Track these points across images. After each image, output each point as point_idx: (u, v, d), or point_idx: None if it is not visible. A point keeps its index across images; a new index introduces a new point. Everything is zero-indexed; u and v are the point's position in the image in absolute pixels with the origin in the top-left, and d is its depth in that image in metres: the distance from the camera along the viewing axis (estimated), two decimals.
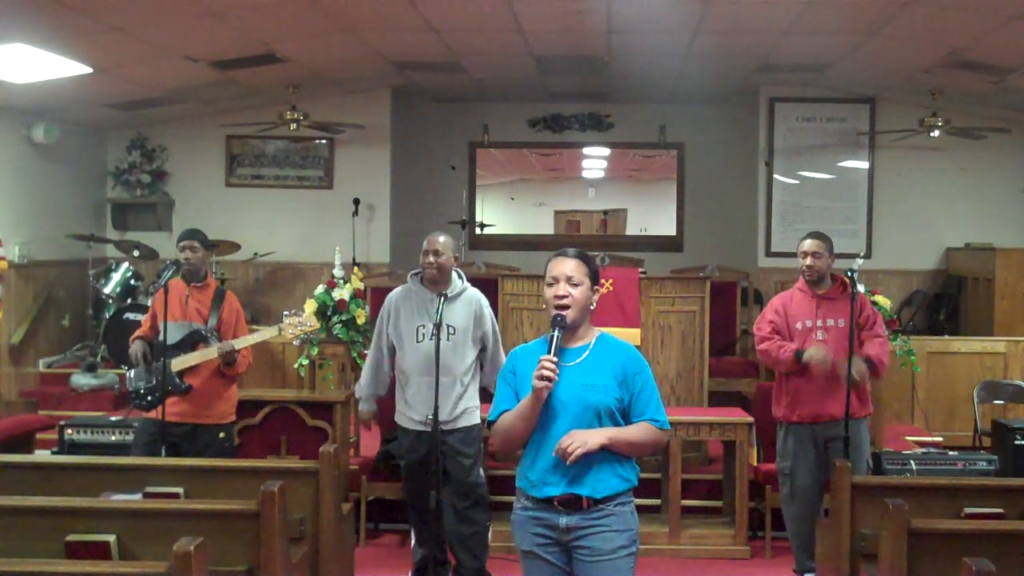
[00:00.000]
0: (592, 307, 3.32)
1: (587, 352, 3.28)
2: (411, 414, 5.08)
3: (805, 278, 5.31)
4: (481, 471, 5.22)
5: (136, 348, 5.25)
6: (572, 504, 3.19)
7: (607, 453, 3.18)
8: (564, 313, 3.23)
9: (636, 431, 3.24)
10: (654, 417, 3.26)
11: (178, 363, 5.16)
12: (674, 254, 10.98)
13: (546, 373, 3.10)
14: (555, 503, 3.20)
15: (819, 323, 5.23)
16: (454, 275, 5.13)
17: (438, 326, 4.68)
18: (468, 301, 5.12)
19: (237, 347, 5.18)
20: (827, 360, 5.10)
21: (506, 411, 3.28)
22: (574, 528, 3.19)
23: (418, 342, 5.04)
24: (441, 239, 5.08)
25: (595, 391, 3.21)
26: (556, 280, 3.27)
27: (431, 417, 4.65)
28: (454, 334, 4.97)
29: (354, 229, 9.67)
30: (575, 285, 3.25)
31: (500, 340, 5.27)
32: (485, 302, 5.19)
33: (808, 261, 5.27)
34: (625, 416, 3.26)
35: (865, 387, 5.26)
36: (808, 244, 5.31)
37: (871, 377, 5.24)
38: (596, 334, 3.34)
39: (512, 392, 3.30)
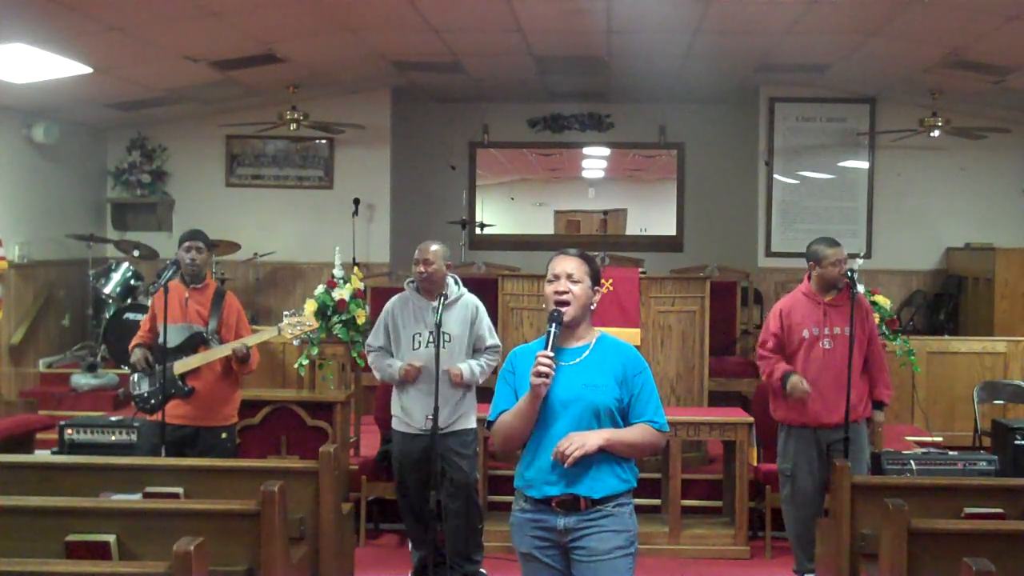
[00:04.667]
0: (593, 307, 3.32)
1: (587, 352, 3.27)
2: (408, 419, 5.08)
3: (839, 287, 5.24)
4: (476, 472, 5.22)
5: (137, 355, 5.23)
6: (570, 505, 3.18)
7: (606, 454, 3.17)
8: (563, 309, 3.22)
9: (635, 433, 3.23)
10: (653, 419, 3.25)
11: (180, 366, 5.15)
12: (674, 254, 10.98)
13: (543, 369, 3.09)
14: (553, 504, 3.19)
15: (826, 331, 5.21)
16: (450, 281, 5.15)
17: (438, 326, 4.68)
18: (464, 307, 5.13)
19: (249, 344, 5.17)
20: (805, 392, 5.13)
21: (505, 411, 3.26)
22: (572, 529, 3.18)
23: (414, 349, 5.05)
24: (432, 248, 5.08)
25: (595, 391, 3.20)
26: (557, 277, 3.26)
27: (430, 417, 4.66)
28: (450, 341, 4.97)
29: (354, 229, 9.67)
30: (575, 282, 3.25)
31: (494, 332, 5.28)
32: (481, 307, 5.21)
33: (843, 268, 5.23)
34: (624, 417, 3.25)
35: (869, 388, 5.30)
36: (842, 251, 5.27)
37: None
38: (596, 334, 3.33)
39: (511, 392, 3.29)
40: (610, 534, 3.18)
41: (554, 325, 3.20)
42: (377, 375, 5.27)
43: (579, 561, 3.19)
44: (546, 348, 3.15)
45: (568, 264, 3.28)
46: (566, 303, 3.23)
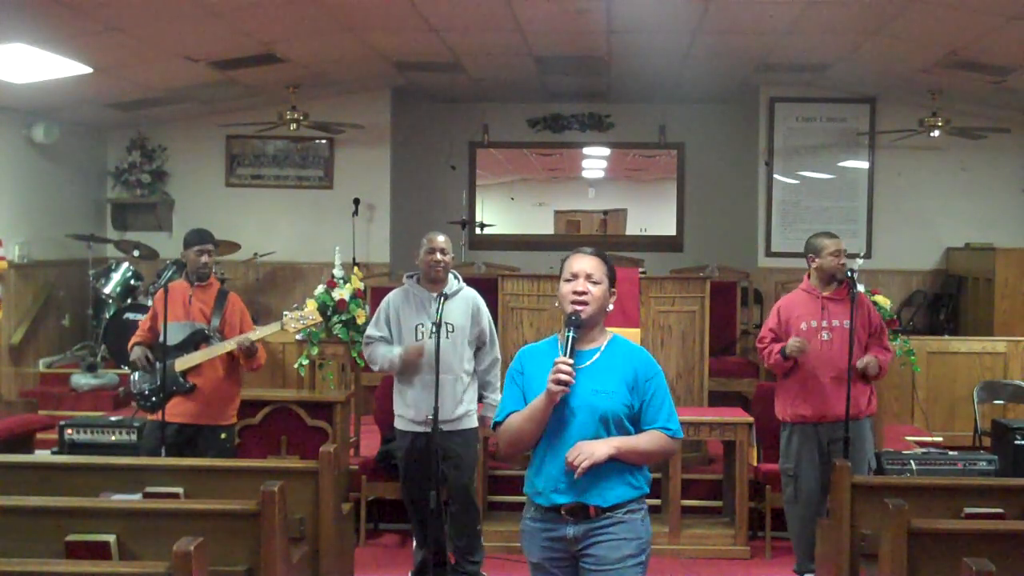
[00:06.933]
0: (609, 308, 3.21)
1: (598, 355, 3.16)
2: (409, 415, 5.07)
3: (838, 277, 5.29)
4: (474, 474, 5.22)
5: (137, 353, 5.23)
6: (579, 513, 3.10)
7: (616, 462, 3.07)
8: (580, 309, 3.11)
9: (645, 440, 3.13)
10: (665, 425, 3.14)
11: (181, 362, 5.16)
12: (674, 254, 10.98)
13: (563, 377, 2.99)
14: (562, 512, 3.12)
15: (824, 323, 5.24)
16: (449, 275, 5.15)
17: (439, 325, 4.67)
18: (465, 300, 5.14)
19: (253, 338, 5.16)
20: (804, 347, 5.15)
21: (514, 412, 3.17)
22: (582, 537, 3.10)
23: (417, 340, 5.04)
24: (441, 238, 5.11)
25: (604, 397, 3.10)
26: (576, 276, 3.14)
27: (431, 417, 4.65)
28: (453, 332, 4.97)
29: (354, 229, 9.67)
30: (595, 283, 3.14)
31: (496, 338, 5.29)
32: (481, 300, 5.22)
33: (842, 259, 5.29)
34: (635, 422, 3.15)
35: (871, 386, 5.29)
36: (840, 243, 5.35)
37: (870, 377, 5.26)
38: (608, 336, 3.22)
39: (519, 392, 3.19)
40: (621, 542, 3.08)
41: (572, 329, 3.08)
42: (376, 365, 5.15)
43: (588, 569, 3.10)
44: (564, 354, 3.04)
45: (587, 263, 3.16)
46: (584, 303, 3.12)
